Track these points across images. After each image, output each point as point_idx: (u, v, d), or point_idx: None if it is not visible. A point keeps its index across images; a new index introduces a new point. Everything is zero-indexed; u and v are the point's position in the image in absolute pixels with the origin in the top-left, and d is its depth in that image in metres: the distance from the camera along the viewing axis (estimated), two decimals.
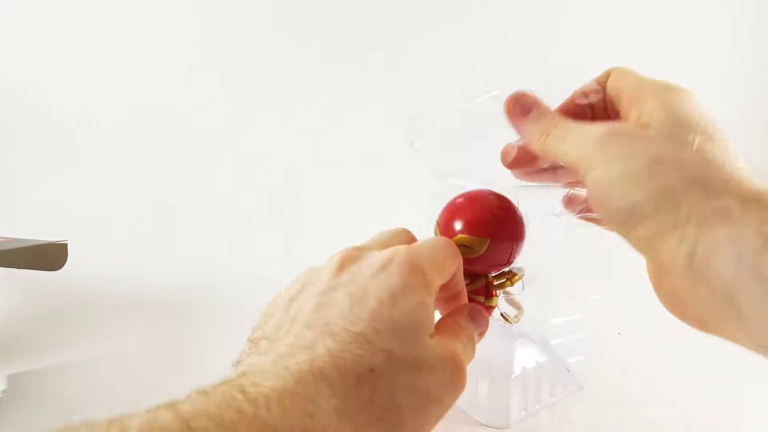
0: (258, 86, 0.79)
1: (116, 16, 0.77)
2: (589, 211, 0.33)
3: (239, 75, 0.79)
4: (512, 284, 0.37)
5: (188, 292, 0.61)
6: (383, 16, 0.79)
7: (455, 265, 0.29)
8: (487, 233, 0.34)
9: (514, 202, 0.36)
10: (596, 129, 0.26)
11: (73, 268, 0.67)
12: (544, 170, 0.33)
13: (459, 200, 0.37)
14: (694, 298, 0.22)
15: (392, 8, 0.79)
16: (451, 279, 0.29)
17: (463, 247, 0.34)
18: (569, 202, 0.34)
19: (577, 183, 0.33)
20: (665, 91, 0.27)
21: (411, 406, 0.22)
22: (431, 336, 0.25)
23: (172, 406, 0.18)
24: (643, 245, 0.25)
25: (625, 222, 0.24)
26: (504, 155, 0.32)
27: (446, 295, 0.31)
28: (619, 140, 0.25)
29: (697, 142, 0.24)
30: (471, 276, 0.36)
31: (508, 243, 0.35)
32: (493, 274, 0.37)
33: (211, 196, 0.77)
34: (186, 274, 0.65)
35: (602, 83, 0.31)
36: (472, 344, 0.28)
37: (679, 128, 0.25)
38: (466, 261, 0.34)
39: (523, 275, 0.38)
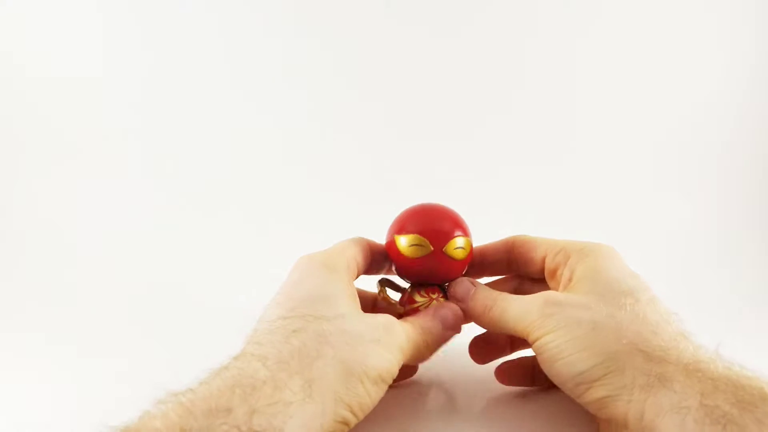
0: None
1: (118, 25, 0.77)
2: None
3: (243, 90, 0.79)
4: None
5: (188, 293, 0.61)
6: None
7: (358, 250, 0.33)
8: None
9: None
10: (535, 300, 0.29)
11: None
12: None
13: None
14: None
15: None
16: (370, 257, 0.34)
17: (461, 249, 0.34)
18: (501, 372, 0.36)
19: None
20: (590, 253, 0.31)
21: (343, 342, 0.26)
22: (352, 307, 0.29)
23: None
24: (595, 407, 0.27)
25: (577, 386, 0.27)
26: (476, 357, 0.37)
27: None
28: (559, 308, 0.28)
29: (628, 305, 0.27)
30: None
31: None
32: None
33: (211, 197, 0.76)
34: (186, 274, 0.65)
35: (501, 249, 0.35)
36: (426, 335, 0.32)
37: (611, 293, 0.28)
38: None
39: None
